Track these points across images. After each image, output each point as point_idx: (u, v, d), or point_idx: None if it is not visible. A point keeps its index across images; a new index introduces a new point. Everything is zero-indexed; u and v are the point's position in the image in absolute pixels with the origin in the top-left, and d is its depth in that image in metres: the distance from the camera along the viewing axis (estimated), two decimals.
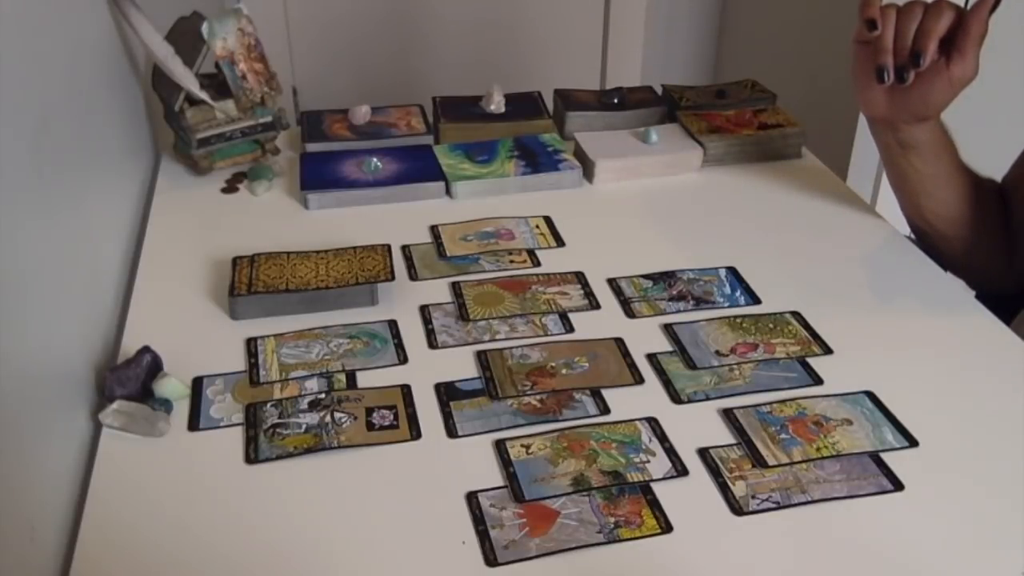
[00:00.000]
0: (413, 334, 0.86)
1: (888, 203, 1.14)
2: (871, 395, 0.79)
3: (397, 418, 0.76)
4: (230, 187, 1.11)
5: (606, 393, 0.79)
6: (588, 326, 0.88)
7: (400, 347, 0.84)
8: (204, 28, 1.06)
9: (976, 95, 0.94)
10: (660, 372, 0.82)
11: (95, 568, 0.63)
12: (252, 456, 0.72)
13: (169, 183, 1.12)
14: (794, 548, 0.66)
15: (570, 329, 0.87)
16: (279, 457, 0.72)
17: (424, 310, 0.90)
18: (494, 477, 0.71)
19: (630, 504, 0.68)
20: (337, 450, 0.73)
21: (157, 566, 0.63)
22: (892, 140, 0.95)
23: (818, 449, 0.73)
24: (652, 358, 0.84)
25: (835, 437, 0.75)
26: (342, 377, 0.80)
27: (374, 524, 0.67)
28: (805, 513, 0.68)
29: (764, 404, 0.78)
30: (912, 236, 1.07)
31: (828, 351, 0.85)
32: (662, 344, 0.86)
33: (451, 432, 0.75)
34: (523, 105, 1.25)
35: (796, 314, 0.90)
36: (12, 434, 0.61)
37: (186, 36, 1.08)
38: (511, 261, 0.98)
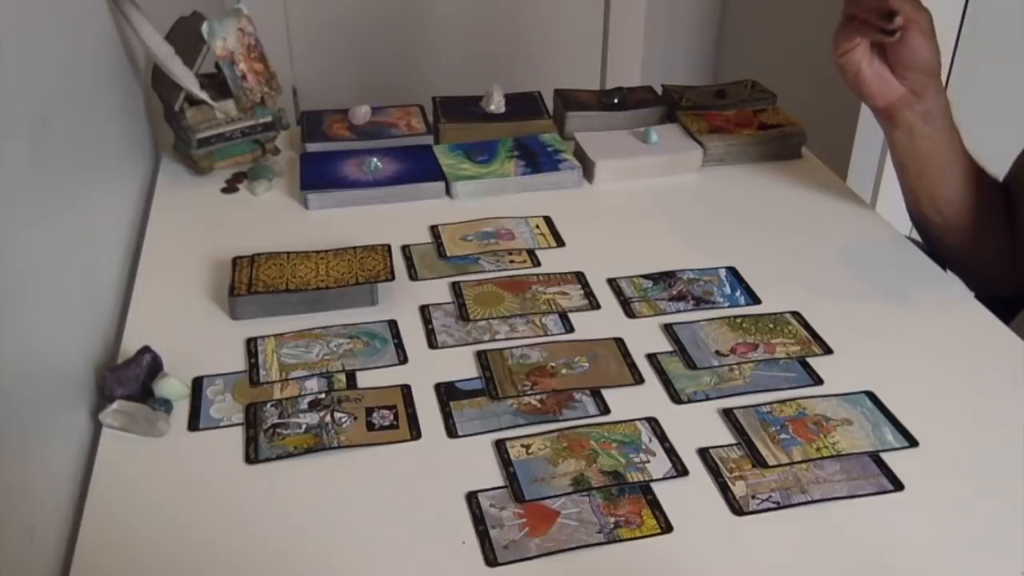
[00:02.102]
0: (413, 334, 0.86)
1: (888, 203, 1.14)
2: (871, 395, 0.79)
3: (397, 418, 0.76)
4: (230, 187, 1.11)
5: (606, 393, 0.79)
6: (588, 326, 0.88)
7: (400, 347, 0.84)
8: (204, 28, 1.06)
9: (976, 94, 0.94)
10: (660, 372, 0.82)
11: (95, 568, 0.63)
12: (252, 456, 0.72)
13: (169, 183, 1.12)
14: (794, 548, 0.66)
15: (570, 329, 0.87)
16: (279, 457, 0.72)
17: (424, 310, 0.90)
18: (494, 477, 0.71)
19: (630, 504, 0.68)
20: (337, 450, 0.73)
21: (157, 566, 0.63)
22: (915, 117, 0.96)
23: (818, 449, 0.73)
24: (652, 358, 0.84)
25: (835, 437, 0.75)
26: (342, 377, 0.80)
27: (374, 524, 0.67)
28: (805, 513, 0.68)
29: (764, 404, 0.78)
30: (912, 236, 1.07)
31: (828, 351, 0.85)
32: (662, 344, 0.86)
33: (451, 432, 0.75)
34: (523, 105, 1.25)
35: (796, 314, 0.90)
36: (12, 434, 0.61)
37: (186, 36, 1.08)
38: (511, 261, 0.98)
